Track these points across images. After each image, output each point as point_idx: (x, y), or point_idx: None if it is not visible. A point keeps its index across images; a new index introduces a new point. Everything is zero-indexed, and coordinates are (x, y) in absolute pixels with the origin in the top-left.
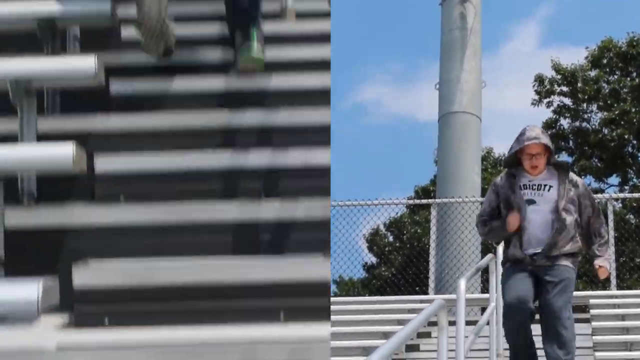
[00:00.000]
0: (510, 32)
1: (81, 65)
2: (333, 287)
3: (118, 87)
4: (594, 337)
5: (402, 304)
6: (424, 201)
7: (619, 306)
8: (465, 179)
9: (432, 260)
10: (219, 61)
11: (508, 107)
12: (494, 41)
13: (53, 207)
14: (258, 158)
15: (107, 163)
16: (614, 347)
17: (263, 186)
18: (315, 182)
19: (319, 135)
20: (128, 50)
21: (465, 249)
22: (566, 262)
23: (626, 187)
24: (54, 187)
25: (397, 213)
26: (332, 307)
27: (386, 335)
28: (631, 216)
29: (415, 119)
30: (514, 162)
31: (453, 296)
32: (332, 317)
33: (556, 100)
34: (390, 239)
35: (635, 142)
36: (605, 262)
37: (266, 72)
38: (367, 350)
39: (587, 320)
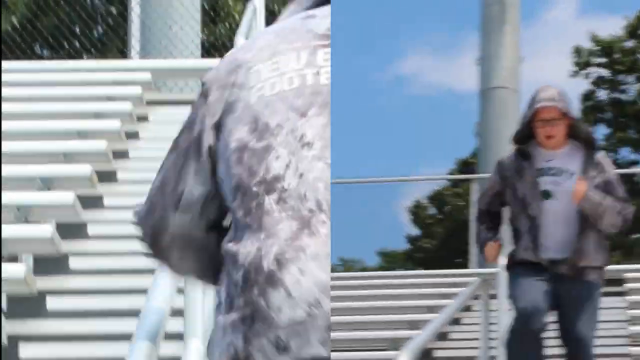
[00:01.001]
0: (549, 1)
1: None
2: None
3: None
4: (629, 311)
5: (445, 278)
6: (464, 176)
7: None
8: (505, 154)
9: (473, 234)
10: None
11: (547, 79)
12: (533, 10)
13: None
14: None
15: None
16: None
17: None
18: None
19: None
20: None
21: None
22: (594, 277)
23: None
24: None
25: (438, 185)
26: (377, 282)
27: (431, 309)
28: None
29: (456, 90)
30: (528, 135)
31: (495, 270)
32: (377, 292)
33: (593, 71)
34: (433, 211)
35: None
36: (596, 196)
37: None
38: (412, 324)
39: (620, 294)
